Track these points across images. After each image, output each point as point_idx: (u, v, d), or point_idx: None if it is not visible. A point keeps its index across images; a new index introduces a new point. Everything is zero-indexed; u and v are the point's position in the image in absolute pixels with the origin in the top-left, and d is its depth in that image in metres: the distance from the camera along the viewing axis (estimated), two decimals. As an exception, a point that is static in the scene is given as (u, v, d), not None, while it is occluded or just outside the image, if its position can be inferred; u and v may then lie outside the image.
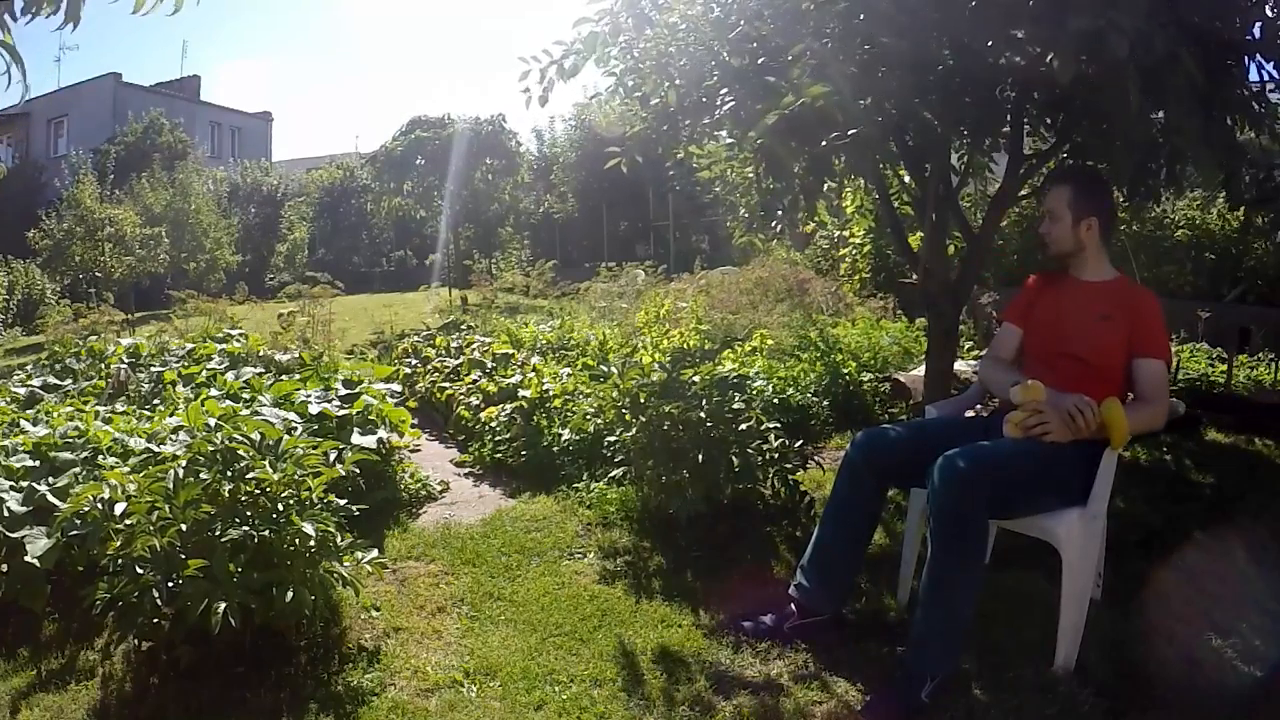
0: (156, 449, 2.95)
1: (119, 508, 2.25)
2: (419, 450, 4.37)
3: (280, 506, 2.32)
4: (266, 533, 2.25)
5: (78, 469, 2.88)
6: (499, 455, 4.02)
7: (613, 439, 3.52)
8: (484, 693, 2.19)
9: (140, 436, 3.12)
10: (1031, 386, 2.20)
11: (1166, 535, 2.91)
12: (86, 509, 2.40)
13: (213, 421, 2.64)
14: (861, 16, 2.44)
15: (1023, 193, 3.73)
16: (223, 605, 2.06)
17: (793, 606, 2.42)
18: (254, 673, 2.24)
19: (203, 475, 2.31)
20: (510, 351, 5.46)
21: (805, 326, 6.10)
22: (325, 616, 2.44)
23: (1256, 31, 2.48)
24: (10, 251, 14.36)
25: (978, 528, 2.11)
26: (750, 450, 3.12)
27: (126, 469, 2.74)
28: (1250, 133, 2.70)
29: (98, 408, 3.78)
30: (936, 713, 2.01)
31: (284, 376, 4.33)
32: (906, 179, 3.74)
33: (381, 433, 3.57)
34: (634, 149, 3.46)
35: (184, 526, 2.20)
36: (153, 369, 5.00)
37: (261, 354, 5.35)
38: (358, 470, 3.06)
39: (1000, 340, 2.56)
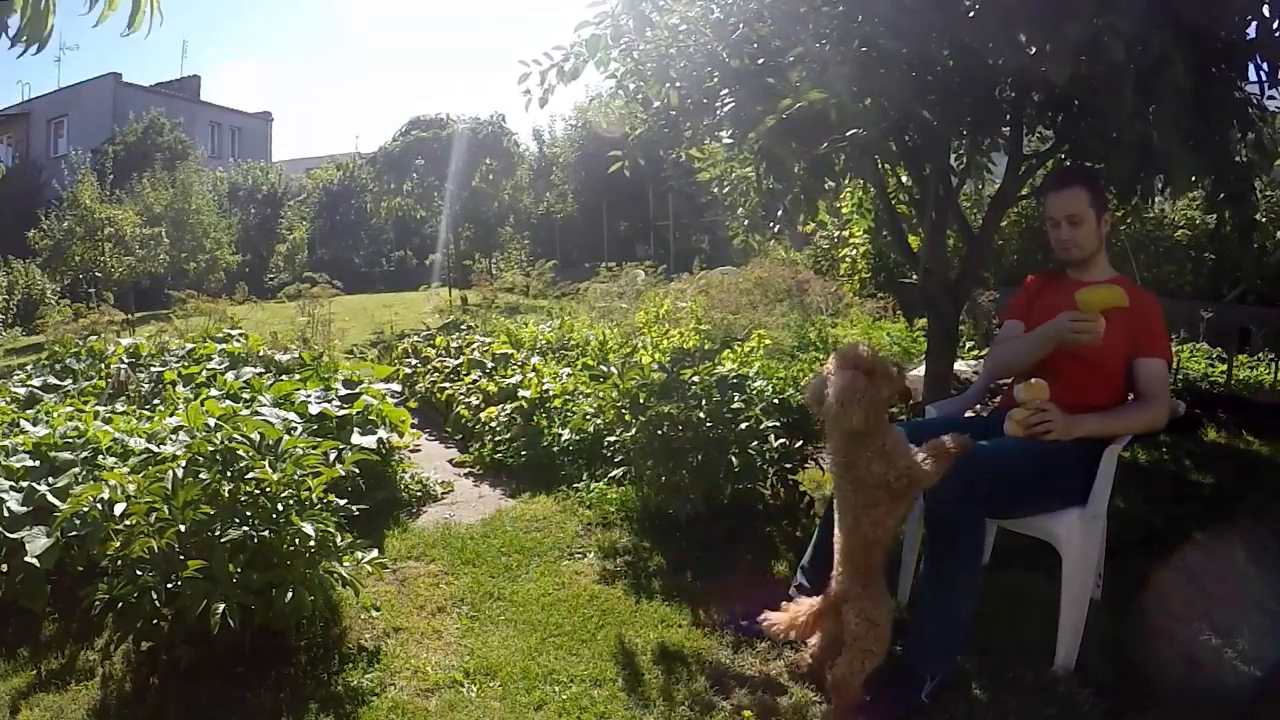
0: (156, 449, 2.95)
1: (118, 508, 2.26)
2: (419, 450, 4.37)
3: (280, 506, 2.32)
4: (266, 533, 2.25)
5: (78, 469, 2.88)
6: (499, 455, 4.02)
7: (613, 439, 3.52)
8: (484, 693, 2.19)
9: (140, 436, 3.12)
10: (1035, 385, 2.20)
11: (1166, 535, 2.91)
12: (86, 509, 2.41)
13: (213, 422, 2.64)
14: (860, 18, 2.44)
15: (1023, 193, 3.73)
16: (222, 605, 2.07)
17: None
18: (254, 673, 2.24)
19: (202, 475, 2.31)
20: (510, 351, 5.46)
21: (805, 326, 6.10)
22: (325, 616, 2.44)
23: (1252, 32, 2.48)
24: (10, 251, 14.35)
25: (976, 528, 2.11)
26: (750, 450, 3.12)
27: (126, 469, 2.74)
28: (1239, 134, 2.70)
29: (98, 408, 3.78)
30: (936, 713, 2.01)
31: (284, 376, 4.33)
32: (906, 179, 3.74)
33: (381, 433, 3.57)
34: (635, 151, 3.47)
35: (183, 527, 2.20)
36: (153, 369, 5.00)
37: (261, 354, 5.34)
38: (358, 470, 3.06)
39: (1004, 337, 2.54)
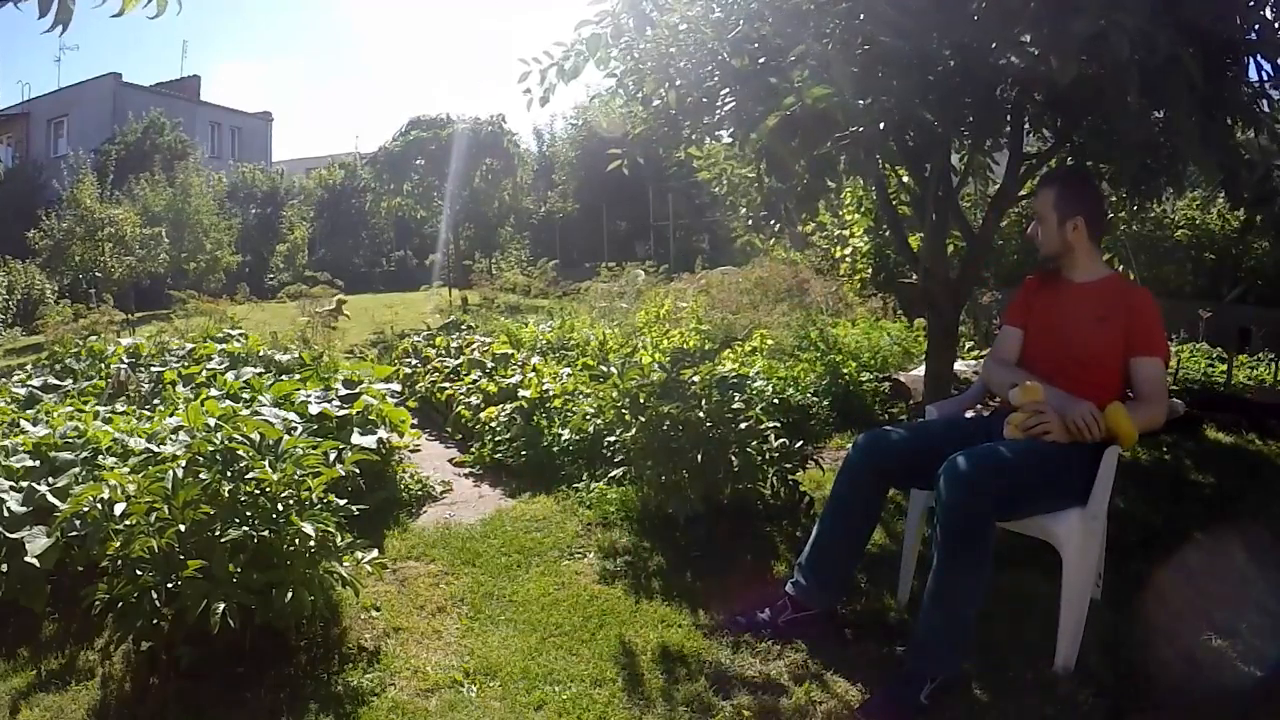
0: (156, 449, 2.95)
1: (118, 508, 2.25)
2: (419, 450, 4.37)
3: (280, 506, 2.32)
4: (266, 533, 2.25)
5: (78, 469, 2.88)
6: (499, 455, 4.02)
7: (613, 439, 3.52)
8: (484, 693, 2.19)
9: (140, 436, 3.12)
10: (1030, 388, 2.20)
11: (1166, 535, 2.92)
12: (86, 509, 2.40)
13: (213, 422, 2.64)
14: (862, 17, 2.44)
15: (1023, 193, 3.73)
16: (222, 605, 2.07)
17: (787, 602, 2.42)
18: (254, 673, 2.24)
19: (202, 475, 2.31)
20: (510, 351, 5.46)
21: (805, 326, 6.10)
22: (325, 616, 2.44)
23: (1255, 33, 2.48)
24: (10, 251, 14.35)
25: (984, 531, 2.09)
26: (750, 450, 3.12)
27: (126, 469, 2.74)
28: (1249, 133, 2.69)
29: (98, 408, 3.78)
30: (936, 713, 2.01)
31: (284, 376, 4.33)
32: (906, 179, 3.74)
33: (381, 433, 3.57)
34: (635, 150, 3.47)
35: (183, 527, 2.20)
36: (153, 369, 5.00)
37: (261, 354, 5.35)
38: (358, 470, 3.06)
39: (1002, 342, 2.56)
